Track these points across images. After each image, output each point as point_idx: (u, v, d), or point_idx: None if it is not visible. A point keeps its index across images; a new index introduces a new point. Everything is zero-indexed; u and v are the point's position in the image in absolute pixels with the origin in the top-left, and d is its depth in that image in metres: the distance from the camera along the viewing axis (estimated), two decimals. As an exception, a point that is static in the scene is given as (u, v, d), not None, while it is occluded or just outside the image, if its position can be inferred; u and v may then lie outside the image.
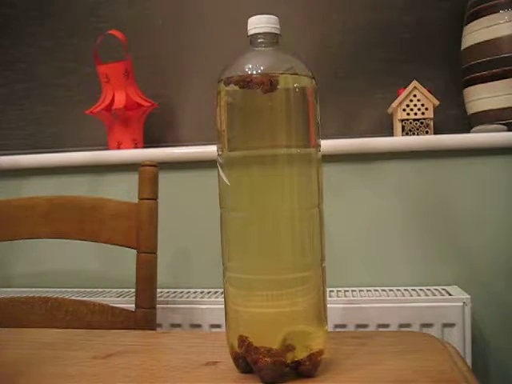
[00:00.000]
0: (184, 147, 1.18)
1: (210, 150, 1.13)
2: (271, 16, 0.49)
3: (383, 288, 1.09)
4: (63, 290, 1.18)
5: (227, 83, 0.48)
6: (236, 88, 0.47)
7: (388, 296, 1.02)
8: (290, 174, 0.47)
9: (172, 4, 1.28)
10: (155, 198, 0.84)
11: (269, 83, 0.46)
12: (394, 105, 1.12)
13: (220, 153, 0.49)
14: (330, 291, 1.07)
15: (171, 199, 1.16)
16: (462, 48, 1.13)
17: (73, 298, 0.90)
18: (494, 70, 1.06)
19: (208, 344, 0.59)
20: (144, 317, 0.81)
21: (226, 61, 0.50)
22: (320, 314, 0.49)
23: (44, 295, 0.86)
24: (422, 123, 1.10)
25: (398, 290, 1.07)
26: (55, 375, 0.51)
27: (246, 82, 0.46)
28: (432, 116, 1.10)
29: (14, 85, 1.35)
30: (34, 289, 1.19)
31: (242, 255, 0.48)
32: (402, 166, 1.11)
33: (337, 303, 1.01)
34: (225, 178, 0.48)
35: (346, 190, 1.13)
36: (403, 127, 1.11)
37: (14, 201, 0.90)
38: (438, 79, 1.18)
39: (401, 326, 0.98)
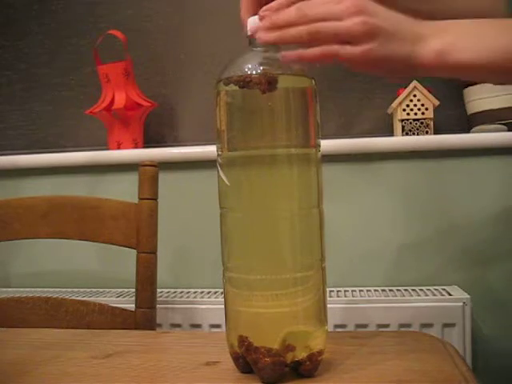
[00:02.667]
0: (184, 147, 1.18)
1: (210, 150, 1.13)
2: None
3: (383, 288, 1.09)
4: (63, 289, 1.18)
5: (226, 83, 0.48)
6: (235, 88, 0.47)
7: (388, 296, 1.02)
8: (290, 174, 0.47)
9: (172, 4, 1.28)
10: (155, 198, 0.84)
11: (267, 83, 0.46)
12: (394, 105, 1.12)
13: (220, 153, 0.49)
14: (330, 291, 1.07)
15: (171, 199, 1.16)
16: (462, 48, 1.13)
17: (73, 297, 0.90)
18: (494, 70, 1.06)
19: (208, 344, 0.59)
20: (144, 317, 0.81)
21: (226, 61, 0.50)
22: (320, 313, 0.49)
23: (44, 295, 0.86)
24: (422, 123, 1.10)
25: (398, 290, 1.07)
26: (55, 375, 0.51)
27: (245, 82, 0.46)
28: (432, 116, 1.10)
29: (14, 85, 1.35)
30: (33, 289, 1.19)
31: (241, 255, 0.48)
32: (402, 165, 1.11)
33: (337, 303, 1.01)
34: (224, 179, 0.48)
35: (346, 190, 1.13)
36: (403, 127, 1.11)
37: (14, 201, 0.90)
38: (438, 79, 1.18)
39: (401, 325, 0.98)
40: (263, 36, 0.46)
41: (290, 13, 0.46)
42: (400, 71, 0.49)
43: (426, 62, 0.48)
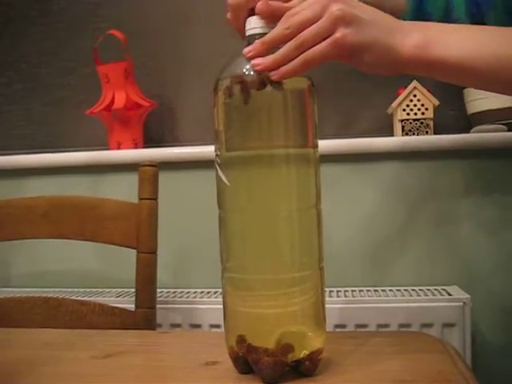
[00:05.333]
0: (184, 147, 1.18)
1: (210, 150, 1.11)
2: None
3: (383, 288, 1.09)
4: (63, 289, 1.18)
5: (224, 83, 0.48)
6: (233, 88, 0.47)
7: (388, 296, 1.02)
8: (288, 174, 0.47)
9: (172, 4, 1.28)
10: (155, 198, 0.84)
11: (259, 82, 0.46)
12: (394, 105, 1.12)
13: (218, 153, 0.49)
14: (330, 291, 1.07)
15: (171, 199, 1.16)
16: (462, 48, 1.13)
17: (73, 297, 0.90)
18: (493, 70, 1.06)
19: (208, 344, 0.59)
20: (144, 317, 0.81)
21: (226, 61, 0.50)
22: (319, 313, 0.49)
23: (44, 295, 0.86)
24: (422, 123, 1.10)
25: (397, 290, 1.07)
26: (55, 375, 0.51)
27: (242, 83, 0.47)
28: (432, 116, 1.10)
29: (14, 85, 1.35)
30: (33, 289, 1.19)
31: (240, 255, 0.48)
32: (403, 166, 1.11)
33: (336, 303, 1.01)
34: (224, 179, 0.48)
35: (346, 190, 1.13)
36: (403, 127, 1.11)
37: (14, 201, 0.90)
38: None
39: (401, 326, 0.98)
40: (259, 66, 0.46)
41: (277, 29, 0.47)
42: (379, 64, 0.49)
43: (405, 55, 0.48)
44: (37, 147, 1.32)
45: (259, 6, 0.48)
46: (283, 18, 0.47)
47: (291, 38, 0.46)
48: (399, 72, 0.50)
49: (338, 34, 0.46)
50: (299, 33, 0.46)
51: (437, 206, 1.10)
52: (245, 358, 0.47)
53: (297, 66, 0.46)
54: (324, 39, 0.46)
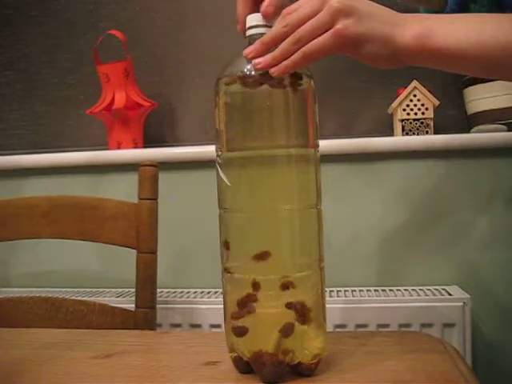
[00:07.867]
0: (184, 147, 1.18)
1: (210, 150, 1.11)
2: None
3: (383, 288, 1.09)
4: (63, 290, 1.18)
5: (225, 83, 0.48)
6: (235, 88, 0.47)
7: (388, 296, 1.02)
8: (289, 174, 0.47)
9: (172, 4, 1.28)
10: (155, 198, 0.84)
11: (260, 80, 0.46)
12: (394, 105, 1.12)
13: (219, 153, 0.49)
14: (330, 291, 1.07)
15: (171, 199, 1.16)
16: (462, 48, 1.12)
17: (73, 298, 0.90)
18: (494, 70, 1.06)
19: (208, 344, 0.59)
20: (144, 317, 0.81)
21: (226, 60, 0.50)
22: (319, 313, 0.49)
23: (44, 295, 0.86)
24: (422, 123, 1.10)
25: (398, 290, 1.07)
26: (55, 375, 0.51)
27: (243, 83, 0.47)
28: (432, 116, 1.10)
29: (14, 85, 1.35)
30: (34, 289, 1.19)
31: (240, 255, 0.48)
32: (403, 165, 1.11)
33: (337, 303, 1.01)
34: (225, 179, 0.48)
35: (346, 190, 1.13)
36: (403, 127, 1.11)
37: (14, 201, 0.90)
38: (438, 79, 1.18)
39: (401, 326, 0.98)
40: (259, 64, 0.46)
41: (276, 28, 0.47)
42: (381, 55, 0.49)
43: (406, 45, 0.48)
44: (37, 147, 1.32)
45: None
46: (280, 16, 0.47)
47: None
48: (401, 64, 0.50)
49: (339, 26, 0.46)
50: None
51: (437, 206, 1.10)
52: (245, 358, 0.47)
53: (297, 60, 0.46)
54: (323, 32, 0.46)
